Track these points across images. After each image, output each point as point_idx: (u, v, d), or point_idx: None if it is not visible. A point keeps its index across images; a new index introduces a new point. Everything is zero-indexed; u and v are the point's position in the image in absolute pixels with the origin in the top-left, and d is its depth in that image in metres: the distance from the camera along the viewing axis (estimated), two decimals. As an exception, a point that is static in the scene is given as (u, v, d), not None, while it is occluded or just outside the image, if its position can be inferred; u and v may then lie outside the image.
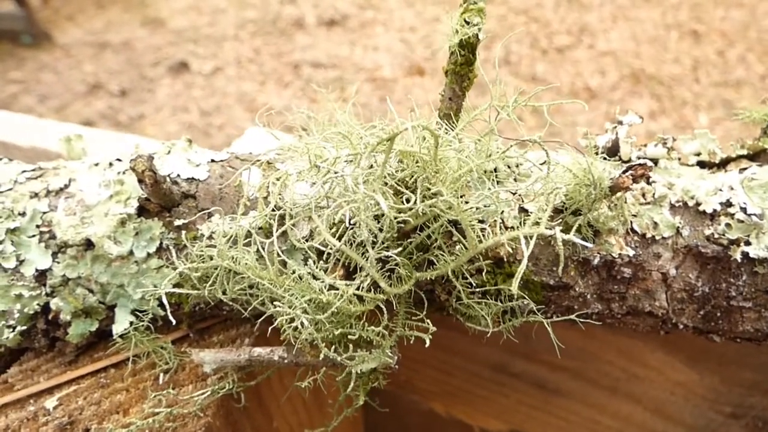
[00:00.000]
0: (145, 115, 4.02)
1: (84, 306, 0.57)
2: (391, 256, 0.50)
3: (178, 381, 0.57)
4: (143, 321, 0.55)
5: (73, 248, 0.56)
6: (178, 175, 0.58)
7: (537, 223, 0.47)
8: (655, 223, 0.55)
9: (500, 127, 0.56)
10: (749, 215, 0.53)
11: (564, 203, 0.51)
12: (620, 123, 0.59)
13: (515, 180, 0.58)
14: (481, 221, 0.54)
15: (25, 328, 0.57)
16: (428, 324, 0.50)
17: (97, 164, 0.62)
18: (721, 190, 0.55)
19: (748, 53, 3.32)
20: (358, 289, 0.49)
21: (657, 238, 0.55)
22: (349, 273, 0.52)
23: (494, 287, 0.54)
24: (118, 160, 0.63)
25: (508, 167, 0.58)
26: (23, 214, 0.58)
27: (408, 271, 0.51)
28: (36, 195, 0.59)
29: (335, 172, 0.49)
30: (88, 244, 0.57)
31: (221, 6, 4.97)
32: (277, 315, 0.51)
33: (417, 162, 0.50)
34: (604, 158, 0.57)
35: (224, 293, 0.53)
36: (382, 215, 0.49)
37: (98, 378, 0.57)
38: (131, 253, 0.56)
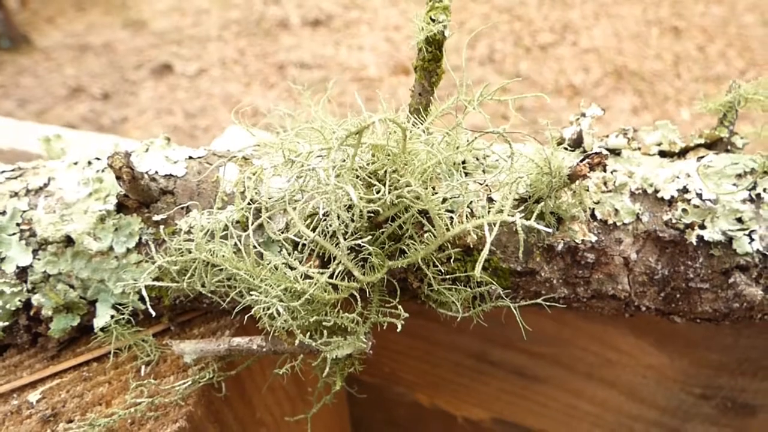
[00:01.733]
0: (129, 118, 3.99)
1: (65, 301, 0.58)
2: (363, 246, 0.52)
3: (160, 372, 0.58)
4: (124, 314, 0.57)
5: (54, 245, 0.57)
6: (156, 172, 0.59)
7: (500, 211, 0.50)
8: (616, 210, 0.57)
9: (475, 122, 0.59)
10: (704, 200, 0.55)
11: (527, 192, 0.54)
12: (583, 115, 0.62)
13: (483, 171, 0.60)
14: (450, 211, 0.56)
15: (7, 324, 0.58)
16: (401, 311, 0.52)
17: (76, 163, 0.63)
18: (678, 177, 0.58)
19: (728, 49, 3.38)
20: (331, 277, 0.51)
21: (618, 224, 0.57)
22: (324, 263, 0.54)
23: (463, 274, 0.56)
24: (97, 158, 0.64)
25: (477, 159, 0.60)
26: (3, 213, 0.59)
27: (380, 260, 0.53)
28: (16, 194, 0.60)
29: (308, 166, 0.51)
30: (68, 241, 0.58)
31: (204, 7, 4.96)
32: (253, 304, 0.52)
33: (388, 155, 0.52)
34: (566, 149, 0.59)
35: (203, 285, 0.54)
36: (353, 206, 0.50)
37: (81, 371, 0.58)
38: (111, 248, 0.58)
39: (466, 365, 0.98)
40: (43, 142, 0.69)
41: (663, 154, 0.64)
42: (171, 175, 0.60)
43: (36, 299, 0.58)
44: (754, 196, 0.56)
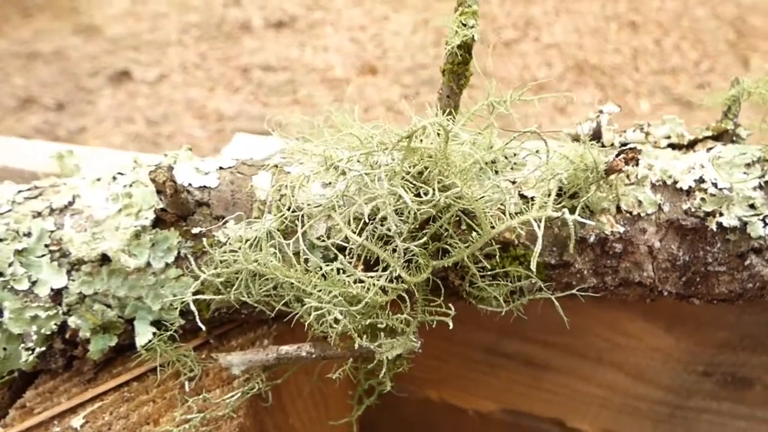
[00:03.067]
0: (87, 128, 3.84)
1: (103, 321, 0.57)
2: (409, 248, 0.53)
3: (204, 387, 0.57)
4: (169, 330, 0.56)
5: (88, 264, 0.56)
6: (190, 184, 0.59)
7: (543, 207, 0.52)
8: (640, 201, 0.60)
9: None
10: (720, 189, 0.59)
11: (562, 188, 0.56)
12: (601, 112, 0.65)
13: (512, 169, 0.62)
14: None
15: (42, 349, 0.56)
16: (451, 308, 0.53)
17: (99, 179, 0.62)
18: (693, 168, 0.61)
19: (682, 41, 3.55)
20: (380, 279, 0.52)
21: (642, 214, 0.60)
22: (369, 267, 0.55)
23: (502, 270, 0.58)
24: (120, 174, 0.63)
25: (505, 158, 0.62)
26: (29, 235, 0.57)
27: (425, 261, 0.54)
28: (39, 214, 0.58)
29: (356, 171, 0.51)
30: (103, 259, 0.56)
31: (161, 11, 4.82)
32: (306, 312, 0.53)
33: (429, 157, 0.53)
34: (599, 146, 0.62)
35: (249, 296, 0.54)
36: (400, 210, 0.52)
37: (122, 392, 0.57)
38: (148, 264, 0.57)
39: (477, 359, 1.01)
40: (56, 159, 0.67)
41: (672, 146, 0.67)
42: (205, 186, 0.59)
43: (72, 321, 0.56)
44: (763, 184, 0.60)
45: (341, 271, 0.52)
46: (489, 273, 0.57)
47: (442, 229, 0.56)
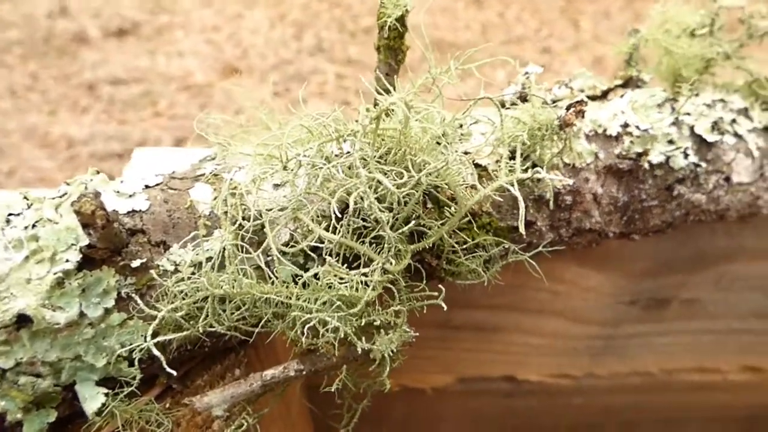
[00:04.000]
0: None
1: (35, 396, 0.46)
2: (382, 236, 0.50)
3: (180, 439, 0.49)
4: (128, 386, 0.47)
5: (1, 331, 0.45)
6: (115, 211, 0.49)
7: (512, 170, 0.52)
8: (579, 152, 0.63)
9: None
10: (644, 131, 0.64)
11: (523, 148, 0.57)
12: (527, 74, 0.66)
13: (460, 140, 0.61)
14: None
15: (-44, 449, 0.44)
16: (441, 289, 0.51)
17: (-14, 225, 0.50)
18: (616, 115, 0.66)
19: (522, 12, 3.86)
20: (365, 275, 0.48)
21: (583, 165, 0.64)
22: (348, 264, 0.51)
23: (473, 242, 0.57)
24: (13, 214, 0.51)
25: (452, 130, 0.61)
26: None
27: (404, 247, 0.52)
28: None
29: (322, 163, 0.47)
30: (20, 321, 0.45)
31: (-31, 30, 4.12)
32: (287, 326, 0.47)
33: (390, 137, 0.50)
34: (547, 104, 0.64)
35: (220, 323, 0.47)
36: (379, 198, 0.48)
37: (76, 473, 0.47)
38: (82, 315, 0.47)
39: (431, 337, 1.01)
40: None
41: (588, 98, 0.72)
42: (134, 210, 0.50)
43: (-6, 405, 0.45)
44: (675, 120, 0.66)
45: (318, 276, 0.48)
46: (463, 247, 0.56)
47: (410, 211, 0.54)
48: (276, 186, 0.53)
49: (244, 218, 0.50)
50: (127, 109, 3.68)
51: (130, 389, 0.47)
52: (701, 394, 1.16)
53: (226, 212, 0.52)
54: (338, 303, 0.45)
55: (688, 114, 0.67)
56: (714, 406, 1.20)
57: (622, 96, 0.69)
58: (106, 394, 0.47)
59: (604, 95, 0.71)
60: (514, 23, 3.86)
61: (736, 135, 0.68)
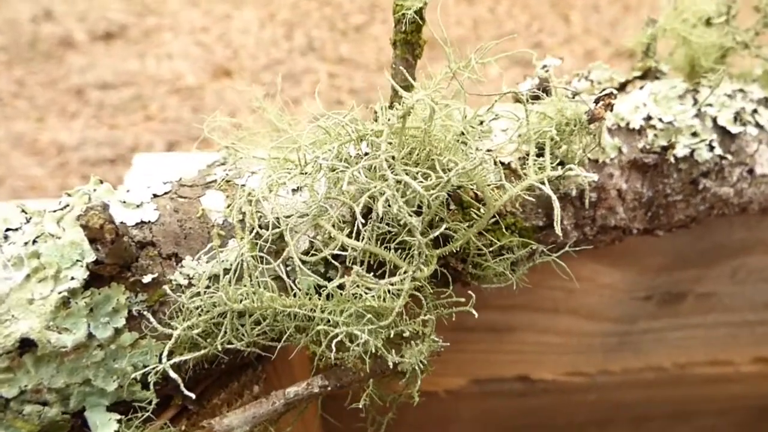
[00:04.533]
0: None
1: (42, 426, 0.43)
2: (407, 241, 0.47)
3: (199, 464, 0.46)
4: (144, 411, 0.44)
5: (3, 357, 0.41)
6: (122, 223, 0.46)
7: (542, 168, 0.49)
8: (603, 147, 0.61)
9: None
10: (667, 123, 0.62)
11: (544, 145, 0.54)
12: (545, 67, 0.64)
13: (479, 138, 0.59)
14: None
15: (-41, 487, 0.40)
16: (471, 295, 0.49)
17: (-18, 242, 0.46)
18: (638, 107, 0.64)
19: (512, 7, 3.84)
20: (393, 284, 0.45)
21: (606, 160, 0.61)
22: (373, 272, 0.48)
23: (497, 244, 0.55)
24: (11, 229, 0.48)
25: (472, 127, 0.58)
26: None
27: (430, 251, 0.49)
28: None
29: (341, 167, 0.44)
30: (23, 346, 0.42)
31: (-50, 36, 4.03)
32: (311, 340, 0.45)
33: (413, 137, 0.48)
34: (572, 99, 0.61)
35: (239, 339, 0.44)
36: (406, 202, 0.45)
37: (89, 506, 0.44)
38: (90, 336, 0.44)
39: (444, 340, 0.98)
40: None
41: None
42: (143, 222, 0.47)
43: (-2, 437, 0.41)
44: (698, 111, 0.64)
45: (342, 286, 0.45)
46: (490, 250, 0.53)
47: (432, 214, 0.51)
48: (294, 191, 0.50)
49: (261, 226, 0.47)
50: (118, 113, 3.62)
51: (146, 414, 0.44)
52: (714, 386, 1.15)
53: (241, 220, 0.49)
54: (367, 315, 0.42)
55: (710, 105, 0.65)
56: (726, 398, 1.19)
57: (641, 88, 0.67)
58: (119, 420, 0.44)
59: (622, 87, 0.69)
60: (505, 18, 3.84)
61: (758, 125, 0.66)
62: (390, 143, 0.44)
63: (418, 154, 0.48)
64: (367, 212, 0.47)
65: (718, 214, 0.68)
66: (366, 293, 0.42)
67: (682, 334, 1.04)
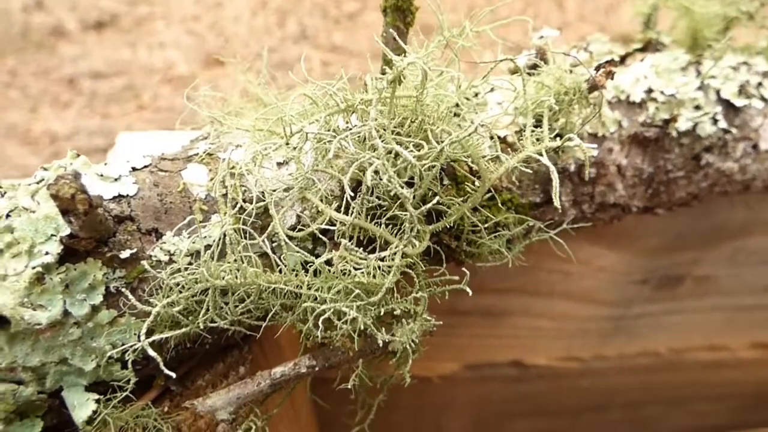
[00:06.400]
0: None
1: (17, 405, 0.41)
2: (399, 216, 0.45)
3: (182, 447, 0.45)
4: (122, 390, 0.42)
5: (-27, 335, 0.39)
6: (100, 197, 0.44)
7: (540, 138, 0.47)
8: (602, 121, 0.59)
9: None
10: (669, 96, 0.60)
11: (542, 115, 0.52)
12: (542, 37, 0.61)
13: (475, 110, 0.56)
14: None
15: (-73, 470, 0.38)
16: (464, 272, 0.47)
17: (-48, 216, 0.44)
18: (639, 80, 0.61)
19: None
20: (383, 260, 0.43)
21: (606, 135, 0.59)
22: (363, 248, 0.46)
23: (493, 221, 0.53)
24: (-19, 203, 0.45)
25: (467, 99, 0.56)
26: None
27: (422, 227, 0.47)
28: None
29: (329, 136, 0.41)
30: (-5, 323, 0.40)
31: (-62, 22, 3.96)
32: (297, 318, 0.43)
33: (404, 106, 0.45)
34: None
35: (222, 317, 0.42)
36: (397, 172, 0.43)
37: (67, 490, 0.42)
38: (66, 314, 0.42)
39: (438, 323, 0.97)
40: None
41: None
42: (121, 195, 0.45)
43: (-31, 419, 0.39)
44: (701, 83, 0.62)
45: (331, 262, 0.43)
46: (485, 226, 0.51)
47: (425, 188, 0.49)
48: (279, 164, 0.48)
49: (245, 200, 0.45)
50: (110, 103, 3.57)
51: (124, 394, 0.42)
52: (710, 372, 1.14)
53: (225, 194, 0.46)
54: (356, 291, 0.40)
55: (714, 77, 0.63)
56: (722, 384, 1.18)
57: (642, 60, 0.65)
58: (97, 401, 0.42)
59: (622, 60, 0.67)
60: (500, 5, 3.80)
61: (763, 99, 0.64)
62: (380, 111, 0.41)
63: (409, 125, 0.45)
64: (356, 185, 0.45)
65: (720, 191, 0.66)
66: (355, 269, 0.40)
67: (679, 319, 1.03)
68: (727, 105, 0.62)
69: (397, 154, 0.40)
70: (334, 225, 0.44)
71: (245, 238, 0.44)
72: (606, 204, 0.61)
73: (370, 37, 3.78)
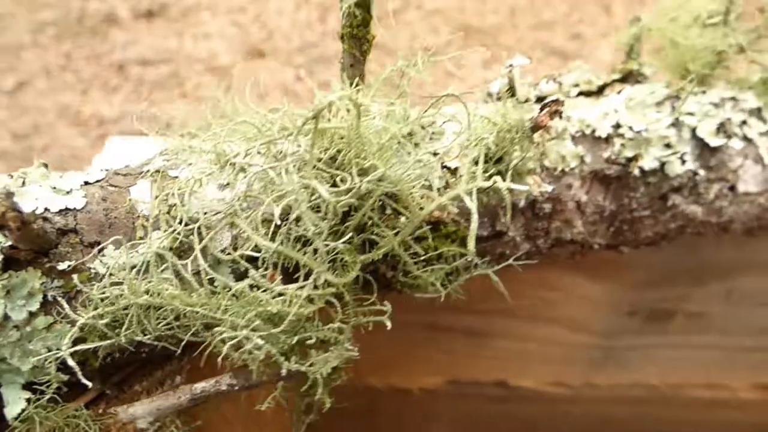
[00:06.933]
0: (-63, 152, 3.32)
1: (-45, 399, 0.44)
2: (334, 246, 0.46)
3: (108, 450, 0.47)
4: (46, 392, 0.45)
5: None
6: (47, 209, 0.47)
7: (472, 178, 0.47)
8: (563, 156, 0.58)
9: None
10: (637, 132, 0.58)
11: (488, 153, 0.51)
12: (511, 66, 0.61)
13: (431, 140, 0.56)
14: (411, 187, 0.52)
15: None
16: (386, 305, 0.47)
17: None
18: (608, 114, 0.60)
19: (551, -5, 3.70)
20: (303, 288, 0.44)
21: (566, 169, 0.58)
22: (289, 275, 0.47)
23: (435, 252, 0.53)
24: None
25: (422, 128, 0.56)
26: None
27: (352, 257, 0.48)
28: None
29: (257, 166, 0.43)
30: (-60, 322, 0.44)
31: (6, 11, 4.22)
32: (218, 342, 0.44)
33: (341, 138, 0.46)
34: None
35: (145, 333, 0.45)
36: (317, 205, 0.44)
37: (-1, 480, 0.45)
38: (6, 317, 0.45)
39: (419, 337, 0.97)
40: None
41: (582, 94, 0.65)
42: (68, 209, 0.47)
43: None
44: (674, 120, 0.59)
45: (255, 287, 0.44)
46: (422, 258, 0.51)
47: (366, 218, 0.50)
48: (221, 186, 0.50)
49: (180, 221, 0.47)
50: (156, 89, 3.72)
51: (47, 395, 0.45)
52: (710, 411, 1.10)
53: (168, 212, 0.49)
54: (262, 319, 0.41)
55: (691, 114, 0.60)
56: (723, 423, 1.13)
57: (619, 92, 0.63)
58: (28, 400, 0.45)
59: (600, 91, 0.65)
60: (544, 7, 3.70)
61: (746, 138, 0.61)
62: (309, 144, 0.42)
63: (344, 156, 0.46)
64: (288, 213, 0.46)
65: (693, 233, 0.63)
66: (268, 297, 0.42)
67: (673, 354, 0.99)
68: (702, 144, 0.59)
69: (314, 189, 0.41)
70: (260, 251, 0.45)
71: (177, 257, 0.46)
72: (563, 240, 0.59)
73: (409, 36, 3.78)
